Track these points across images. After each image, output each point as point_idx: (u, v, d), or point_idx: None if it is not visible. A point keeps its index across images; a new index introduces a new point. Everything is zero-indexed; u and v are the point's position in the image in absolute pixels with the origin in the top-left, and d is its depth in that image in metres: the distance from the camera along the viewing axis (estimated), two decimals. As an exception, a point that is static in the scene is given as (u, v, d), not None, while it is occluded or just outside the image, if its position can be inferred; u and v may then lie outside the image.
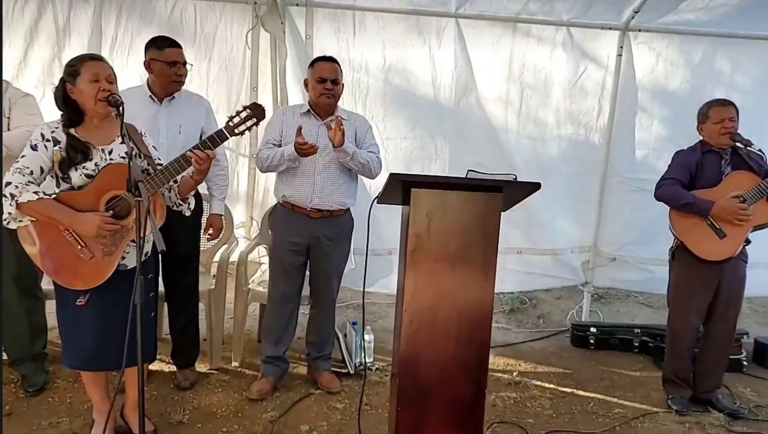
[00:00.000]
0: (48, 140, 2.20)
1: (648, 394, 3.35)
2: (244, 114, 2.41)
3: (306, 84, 3.05)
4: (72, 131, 2.24)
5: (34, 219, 2.19)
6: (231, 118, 2.41)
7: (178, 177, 2.35)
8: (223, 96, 3.66)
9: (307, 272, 3.18)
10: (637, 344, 3.99)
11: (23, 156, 2.19)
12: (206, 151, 2.32)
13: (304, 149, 2.78)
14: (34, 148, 2.19)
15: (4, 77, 2.80)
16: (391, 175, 2.10)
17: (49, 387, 2.98)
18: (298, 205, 2.98)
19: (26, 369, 2.95)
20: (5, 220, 2.18)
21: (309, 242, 3.03)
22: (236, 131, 2.41)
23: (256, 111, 2.42)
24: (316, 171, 2.93)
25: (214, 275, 3.47)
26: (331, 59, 3.01)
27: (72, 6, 3.42)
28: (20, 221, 2.19)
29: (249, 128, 2.44)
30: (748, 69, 3.95)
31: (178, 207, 2.45)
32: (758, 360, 3.87)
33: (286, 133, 2.98)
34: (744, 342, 3.85)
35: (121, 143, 2.27)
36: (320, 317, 3.22)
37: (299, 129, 2.78)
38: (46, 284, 2.96)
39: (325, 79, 2.93)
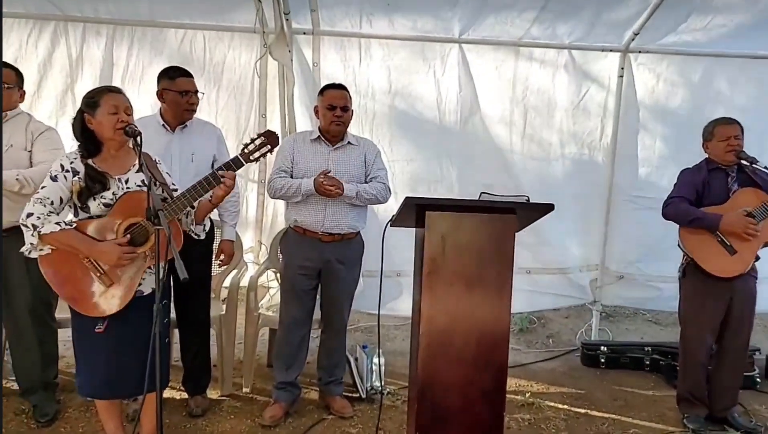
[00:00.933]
0: (67, 171, 2.24)
1: (663, 413, 3.33)
2: (258, 141, 2.44)
3: (316, 111, 3.10)
4: (90, 161, 2.28)
5: (54, 248, 2.21)
6: (246, 145, 2.44)
7: (195, 202, 2.38)
8: (233, 123, 3.72)
9: (318, 297, 3.19)
10: (648, 362, 3.98)
11: (44, 187, 2.23)
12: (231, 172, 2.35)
13: (330, 192, 2.83)
14: (54, 179, 2.23)
15: (24, 110, 2.87)
16: (407, 199, 2.13)
17: (60, 417, 2.96)
18: (310, 229, 3.00)
19: (37, 398, 2.94)
20: (27, 250, 2.21)
21: (320, 266, 3.04)
22: (251, 157, 2.44)
23: (270, 138, 2.45)
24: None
25: (223, 300, 3.48)
26: (340, 86, 3.07)
27: (85, 38, 3.51)
28: (41, 250, 2.21)
29: (263, 155, 2.47)
30: (747, 88, 4.02)
31: (194, 233, 2.47)
32: (772, 377, 3.86)
33: (298, 160, 3.02)
34: (756, 358, 3.84)
35: (137, 171, 2.31)
36: (331, 342, 3.22)
37: (326, 172, 2.86)
38: (59, 313, 2.98)
39: (335, 107, 2.98)
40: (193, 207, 2.40)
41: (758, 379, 3.75)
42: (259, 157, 2.45)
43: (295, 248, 3.08)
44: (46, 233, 2.16)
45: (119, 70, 3.57)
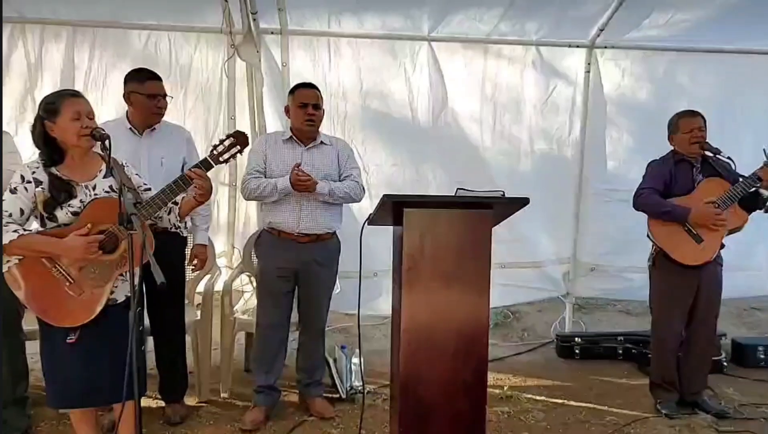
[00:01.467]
0: (29, 181, 2.15)
1: (637, 400, 3.41)
2: (227, 142, 2.40)
3: (287, 110, 3.08)
4: (53, 169, 2.19)
5: (19, 260, 2.13)
6: (215, 146, 2.40)
7: (179, 199, 2.34)
8: (201, 126, 3.66)
9: (295, 299, 3.17)
10: (621, 351, 4.09)
11: (3, 200, 2.14)
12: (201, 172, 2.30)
13: (305, 184, 2.82)
14: (13, 191, 2.14)
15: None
16: (384, 196, 2.13)
17: (31, 432, 2.89)
18: (286, 231, 2.98)
19: (8, 413, 2.82)
20: None
21: (297, 267, 3.02)
22: (221, 159, 2.41)
23: (239, 139, 2.42)
24: (302, 196, 2.94)
25: (198, 306, 3.42)
26: (311, 85, 3.06)
27: (43, 41, 3.41)
28: (7, 261, 2.13)
29: (233, 156, 2.44)
30: (707, 81, 4.14)
31: (176, 228, 2.45)
32: (737, 360, 4.00)
33: (271, 160, 3.00)
34: (722, 343, 3.98)
35: (105, 177, 2.25)
36: (311, 343, 3.20)
37: (297, 165, 2.84)
38: (26, 325, 2.88)
39: (307, 104, 2.96)
40: (176, 203, 2.36)
41: (725, 363, 3.89)
42: (229, 158, 2.42)
43: (271, 250, 3.05)
44: (6, 243, 2.07)
45: (81, 73, 3.48)
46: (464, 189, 2.28)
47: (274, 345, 3.09)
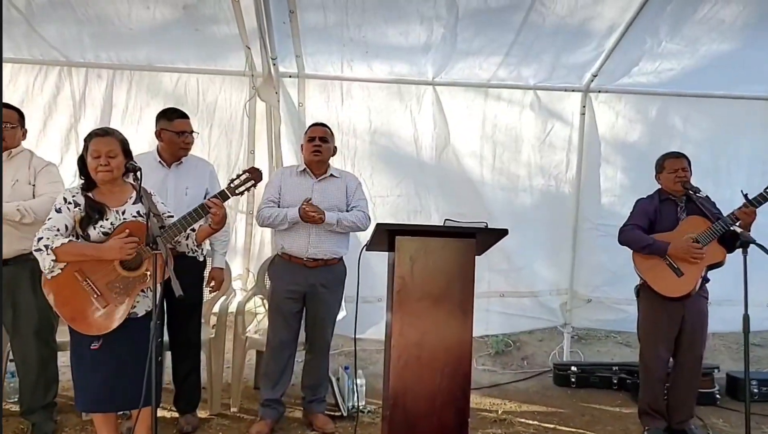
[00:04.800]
0: (69, 203, 2.49)
1: (626, 427, 3.54)
2: (243, 177, 2.65)
3: (302, 147, 3.39)
4: (90, 194, 2.53)
5: (60, 270, 2.44)
6: (232, 180, 2.66)
7: (196, 226, 2.61)
8: (224, 159, 4.00)
9: (303, 320, 3.41)
10: (615, 381, 4.21)
11: (50, 218, 2.48)
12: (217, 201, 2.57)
13: (313, 218, 3.07)
14: (58, 211, 2.48)
15: (27, 147, 3.12)
16: (377, 225, 2.40)
17: (58, 436, 3.14)
18: (296, 256, 3.25)
19: (37, 418, 3.10)
20: (47, 270, 2.42)
21: (306, 290, 3.28)
22: (237, 191, 2.65)
23: (253, 174, 2.65)
24: (312, 225, 3.20)
25: (213, 325, 3.68)
26: (322, 124, 3.39)
27: (87, 81, 3.81)
28: (59, 267, 2.43)
29: (248, 189, 2.68)
30: (699, 123, 4.36)
31: (193, 253, 2.71)
32: (731, 393, 4.06)
33: (285, 191, 3.29)
34: (716, 376, 4.05)
35: (134, 203, 2.56)
36: (316, 361, 3.42)
37: (308, 200, 3.10)
38: (59, 337, 3.17)
39: (315, 138, 3.28)
40: (194, 230, 2.63)
41: (718, 395, 3.97)
42: (244, 191, 2.66)
43: (282, 273, 3.31)
44: (58, 246, 2.38)
45: (119, 110, 3.87)
46: (451, 220, 2.54)
47: (282, 362, 3.33)
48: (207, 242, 3.15)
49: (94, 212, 2.48)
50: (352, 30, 3.56)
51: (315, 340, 3.40)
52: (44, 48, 3.71)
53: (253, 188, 2.69)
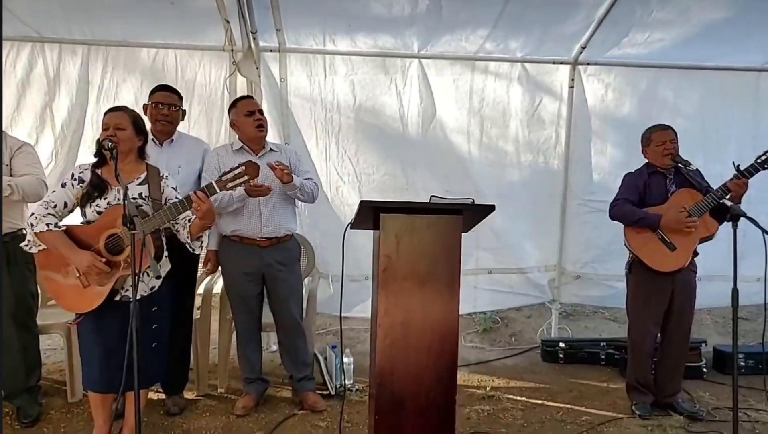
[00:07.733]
0: (75, 179, 2.52)
1: (614, 402, 3.55)
2: (237, 171, 2.46)
3: (233, 125, 3.23)
4: (98, 170, 2.52)
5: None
6: (224, 173, 2.49)
7: (191, 216, 2.53)
8: (204, 136, 3.85)
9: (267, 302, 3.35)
10: (603, 356, 4.22)
11: (54, 192, 2.51)
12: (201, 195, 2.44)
13: (261, 191, 2.96)
14: (63, 186, 2.52)
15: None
16: (362, 202, 2.33)
17: (42, 418, 3.10)
18: (248, 237, 3.14)
19: (21, 401, 3.06)
20: (27, 245, 2.47)
21: (263, 270, 3.19)
22: (227, 186, 2.48)
23: (249, 169, 2.46)
24: (261, 203, 3.10)
25: (198, 307, 3.63)
26: (249, 96, 3.29)
27: (61, 58, 3.67)
28: (39, 245, 2.46)
29: (240, 184, 2.49)
30: (689, 95, 4.30)
31: (191, 249, 2.63)
32: (718, 367, 4.09)
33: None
34: (703, 350, 4.08)
35: (140, 184, 2.53)
36: (288, 340, 3.35)
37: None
38: (40, 320, 3.11)
39: (253, 111, 3.15)
40: (189, 220, 2.56)
41: (705, 369, 4.00)
42: (235, 186, 2.50)
43: (235, 256, 3.20)
44: (37, 231, 2.42)
45: (94, 88, 3.75)
46: (437, 196, 2.47)
47: (253, 343, 3.34)
48: (206, 235, 2.93)
49: (94, 189, 2.49)
50: (333, 2, 3.45)
51: (282, 319, 3.31)
52: (15, 24, 3.55)
53: (247, 183, 2.53)
